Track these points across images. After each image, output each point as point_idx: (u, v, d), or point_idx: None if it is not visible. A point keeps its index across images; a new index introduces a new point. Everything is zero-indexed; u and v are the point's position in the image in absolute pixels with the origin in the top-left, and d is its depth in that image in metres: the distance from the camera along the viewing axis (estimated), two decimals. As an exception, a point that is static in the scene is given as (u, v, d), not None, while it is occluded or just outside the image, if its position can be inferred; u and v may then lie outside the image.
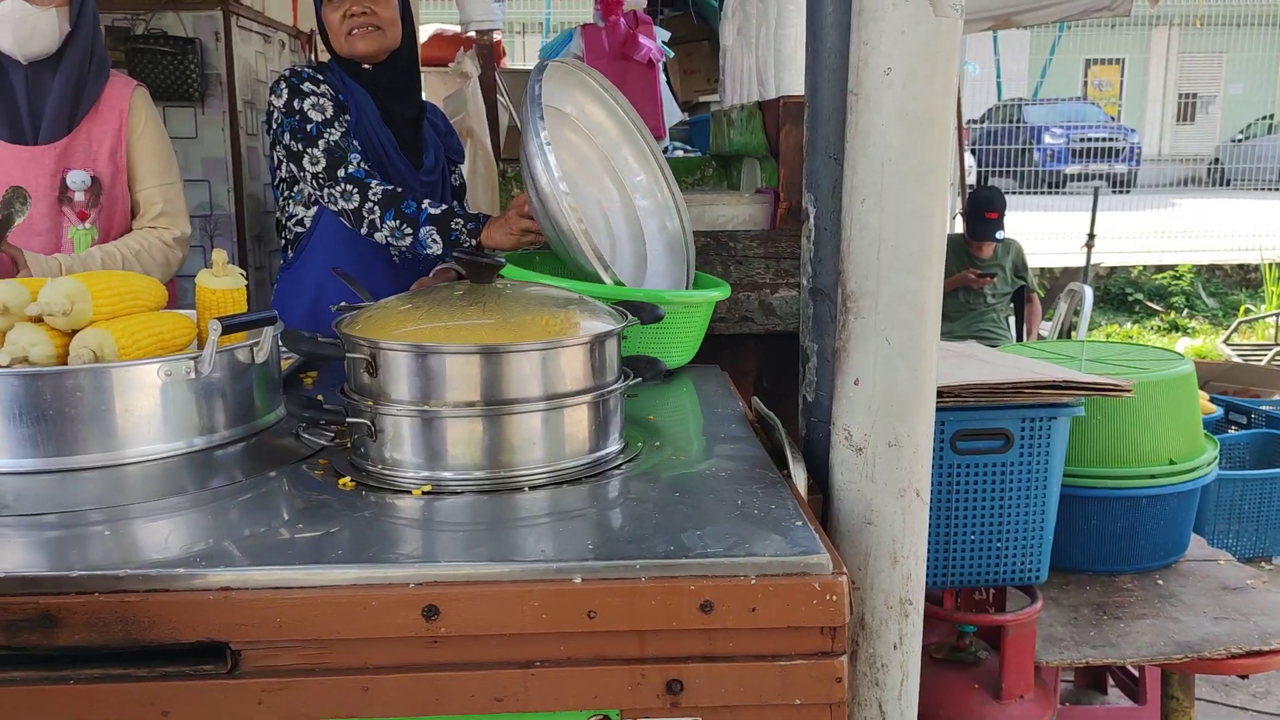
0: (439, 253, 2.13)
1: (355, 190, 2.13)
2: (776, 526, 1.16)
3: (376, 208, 2.12)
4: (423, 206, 2.11)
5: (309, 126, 2.18)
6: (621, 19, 3.24)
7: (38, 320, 1.41)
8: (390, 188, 2.15)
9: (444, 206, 2.13)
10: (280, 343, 1.52)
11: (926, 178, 1.33)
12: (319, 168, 2.15)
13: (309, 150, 2.16)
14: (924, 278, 1.34)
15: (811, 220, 1.49)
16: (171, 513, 1.30)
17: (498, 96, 3.12)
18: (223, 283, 1.57)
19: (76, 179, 2.18)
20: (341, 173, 2.14)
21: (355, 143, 2.21)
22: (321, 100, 2.21)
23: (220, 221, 4.45)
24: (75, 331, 1.42)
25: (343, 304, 1.98)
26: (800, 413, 1.52)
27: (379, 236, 2.14)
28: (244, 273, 1.60)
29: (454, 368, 1.33)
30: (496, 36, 3.42)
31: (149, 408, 1.40)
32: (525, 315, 1.40)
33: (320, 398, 1.65)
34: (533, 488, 1.33)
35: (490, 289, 1.47)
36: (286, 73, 2.25)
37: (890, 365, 1.34)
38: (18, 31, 2.06)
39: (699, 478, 1.36)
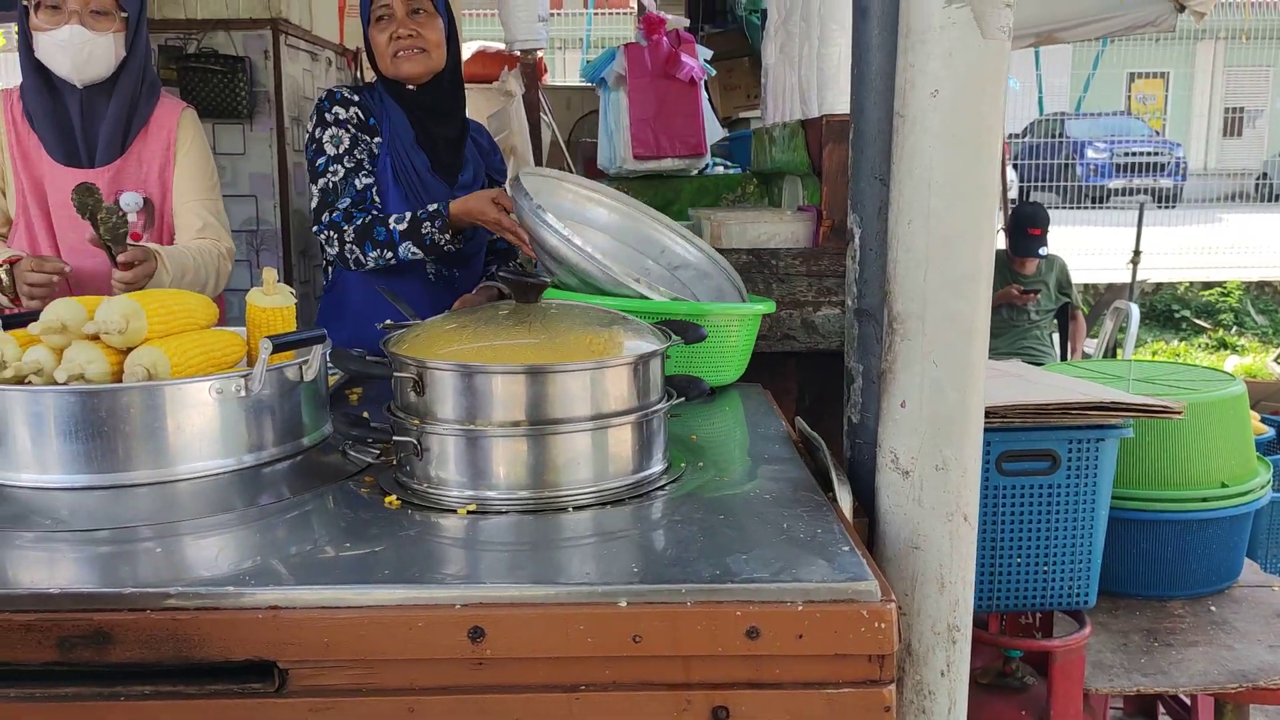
0: (425, 257, 2.21)
1: (335, 235, 2.21)
2: (823, 551, 1.15)
3: (354, 246, 2.19)
4: (390, 227, 2.17)
5: (319, 161, 2.25)
6: (664, 38, 3.25)
7: (94, 338, 1.43)
8: (362, 222, 2.19)
9: (409, 217, 2.17)
10: (328, 361, 1.54)
11: (974, 200, 1.32)
12: (312, 206, 2.25)
13: (311, 187, 2.26)
14: (972, 300, 1.33)
15: (857, 241, 1.48)
16: (220, 529, 1.32)
17: (540, 114, 3.13)
18: (273, 301, 1.59)
19: (130, 200, 2.22)
20: (326, 217, 2.22)
21: (357, 181, 2.23)
22: (340, 132, 2.24)
23: (266, 236, 4.52)
24: (131, 349, 1.44)
25: (389, 322, 2.02)
26: (845, 434, 1.51)
27: (371, 266, 2.20)
28: (292, 291, 1.62)
29: (499, 387, 1.34)
30: (539, 55, 3.45)
31: (200, 425, 1.42)
32: (570, 335, 1.41)
33: (366, 415, 1.66)
34: (577, 508, 1.33)
35: (535, 308, 1.48)
36: (323, 94, 2.30)
37: (937, 387, 1.33)
38: (75, 57, 2.09)
39: (743, 499, 1.36)
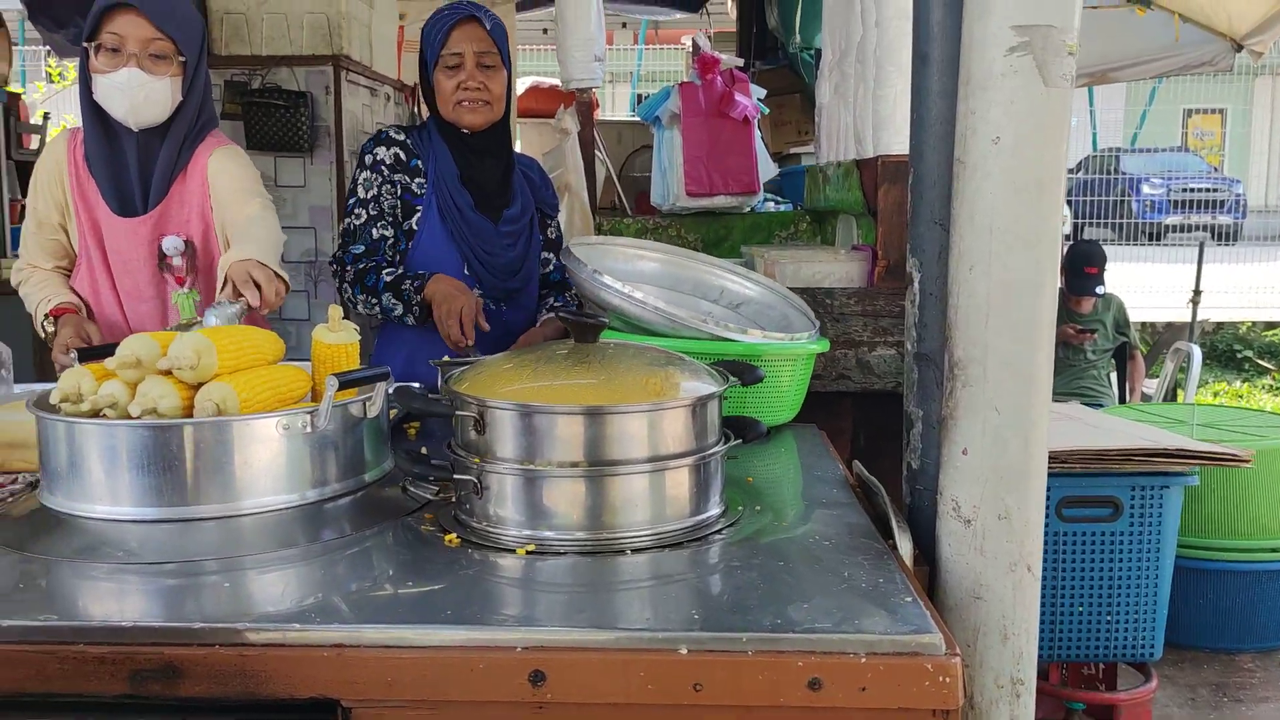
0: (403, 315, 2.22)
1: (339, 271, 2.29)
2: (885, 601, 1.14)
3: (349, 287, 2.27)
4: (380, 277, 2.23)
5: (350, 200, 2.32)
6: (718, 77, 3.28)
7: (168, 373, 1.47)
8: (363, 265, 2.25)
9: (397, 273, 2.23)
10: (391, 397, 1.56)
11: (1036, 246, 1.32)
12: (336, 241, 2.27)
13: (340, 225, 2.30)
14: (1034, 347, 1.32)
15: (916, 285, 1.48)
16: (284, 565, 1.34)
17: (595, 151, 3.17)
18: (337, 337, 1.62)
19: (171, 244, 2.18)
20: (339, 253, 2.30)
21: (374, 229, 2.27)
22: (374, 176, 2.28)
23: (324, 267, 4.60)
24: (202, 384, 1.47)
25: (445, 359, 2.04)
26: (904, 479, 1.50)
27: (361, 310, 2.26)
28: (356, 327, 1.65)
29: (558, 428, 1.35)
30: (594, 92, 3.49)
31: (266, 460, 1.44)
32: (628, 376, 1.42)
33: (424, 450, 1.69)
34: (635, 550, 1.33)
35: (594, 348, 1.49)
36: (372, 133, 2.35)
37: (999, 435, 1.32)
38: (132, 99, 2.08)
39: (802, 545, 1.35)
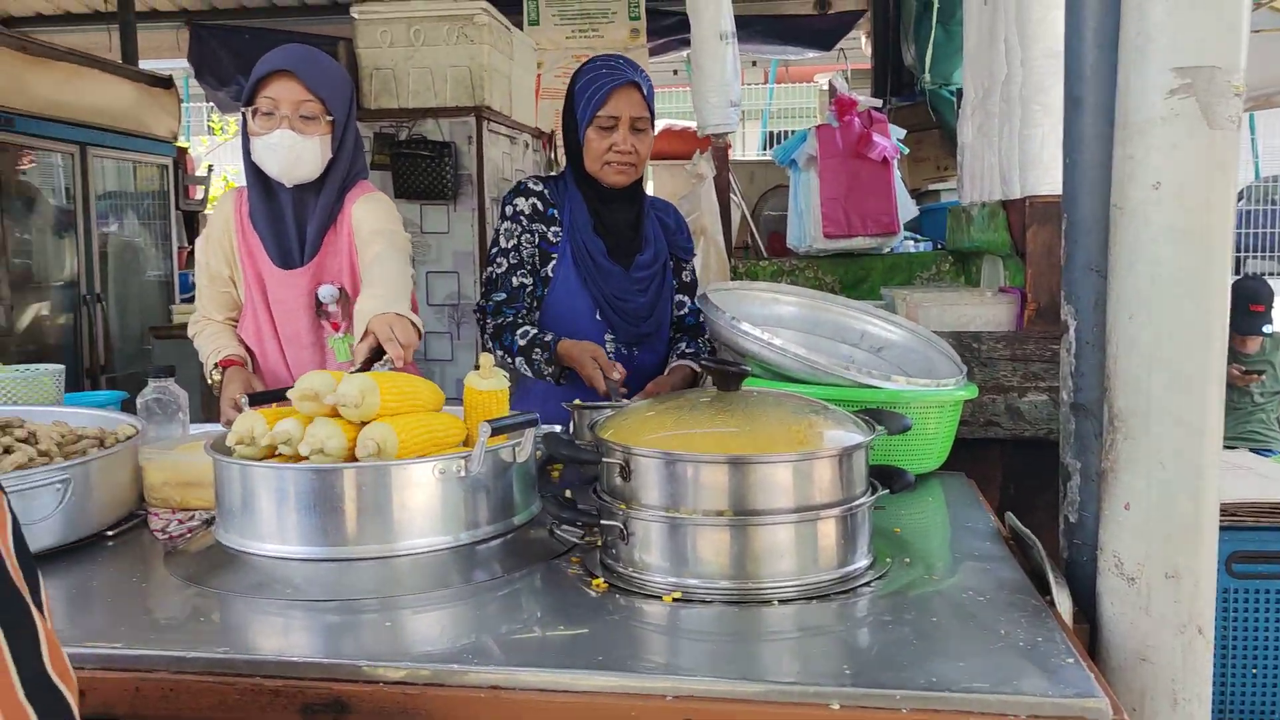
0: (538, 377, 2.31)
1: (482, 321, 2.40)
2: (1045, 662, 1.11)
3: (490, 339, 2.37)
4: (515, 339, 2.30)
5: (492, 250, 2.41)
6: (856, 118, 3.27)
7: (333, 411, 1.54)
8: (501, 320, 2.34)
9: (531, 335, 2.29)
10: (540, 444, 1.60)
11: (1203, 295, 1.27)
12: (478, 294, 2.35)
13: (483, 271, 2.37)
14: (1202, 399, 1.27)
15: (1072, 333, 1.44)
16: (439, 605, 1.39)
17: (730, 195, 3.20)
18: (489, 385, 1.68)
19: (326, 293, 2.29)
20: (483, 302, 2.39)
21: (514, 278, 2.34)
22: (514, 226, 2.36)
23: (466, 310, 4.76)
24: (365, 423, 1.55)
25: (577, 402, 2.09)
26: (1061, 533, 1.45)
27: (503, 362, 2.33)
28: (506, 375, 1.71)
29: (703, 476, 1.36)
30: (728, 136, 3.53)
31: (423, 503, 1.50)
32: (772, 424, 1.42)
33: (568, 493, 1.72)
34: (781, 601, 1.33)
35: (737, 396, 1.50)
36: (513, 184, 2.43)
37: (1165, 490, 1.26)
38: (284, 159, 2.18)
39: (954, 600, 1.32)
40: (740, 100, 3.39)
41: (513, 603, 1.40)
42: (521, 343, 2.29)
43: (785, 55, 8.26)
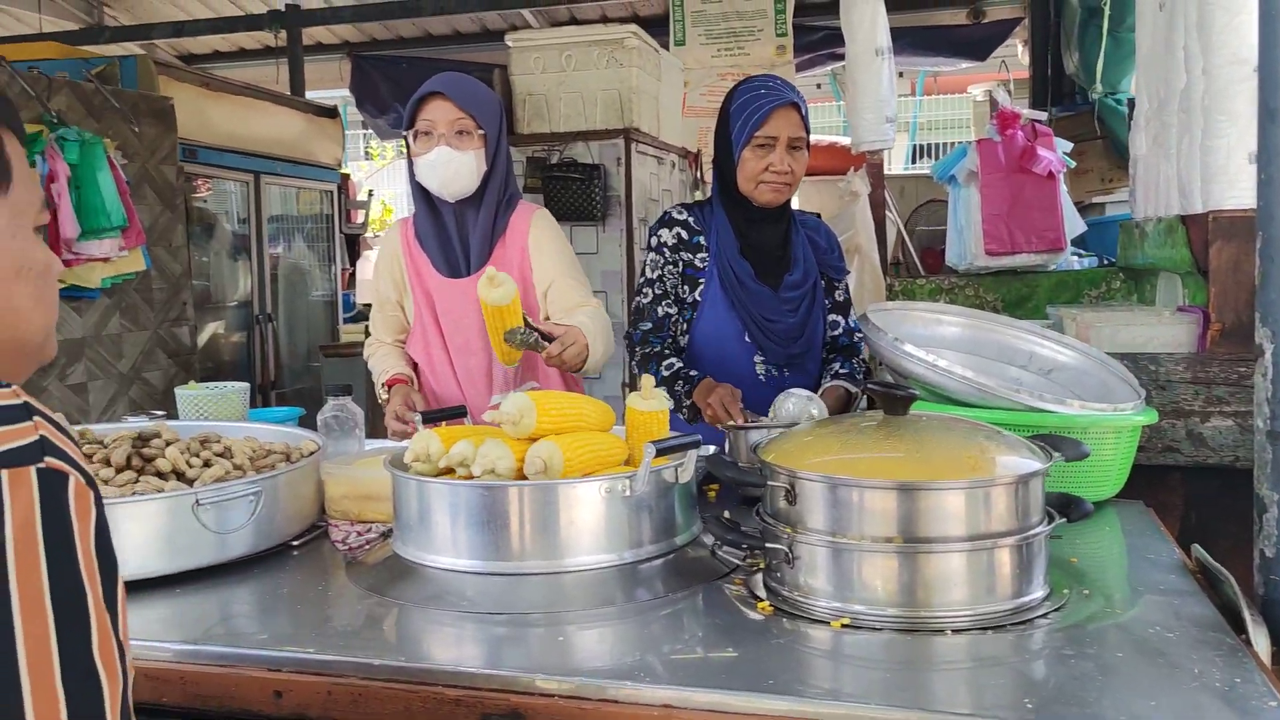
0: (674, 407, 2.28)
1: (630, 349, 2.44)
2: (1245, 704, 1.05)
3: (636, 367, 2.41)
4: (660, 370, 2.33)
5: (639, 280, 2.46)
6: (1019, 131, 3.17)
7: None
8: (647, 350, 2.38)
9: (676, 368, 2.32)
10: (703, 465, 1.61)
11: None
12: (629, 322, 2.46)
13: (630, 290, 2.39)
14: None
15: (1268, 357, 1.36)
16: (604, 622, 1.42)
17: (885, 212, 3.15)
18: (650, 406, 1.70)
19: None
20: (630, 330, 2.44)
21: (659, 308, 2.38)
22: (658, 257, 2.41)
23: (615, 329, 4.83)
24: (524, 440, 1.60)
25: (730, 422, 2.09)
26: (1256, 568, 1.37)
27: None
28: (668, 396, 1.72)
29: (872, 502, 1.35)
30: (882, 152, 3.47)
31: (588, 521, 1.53)
32: (942, 450, 1.39)
33: (726, 514, 1.72)
34: (955, 631, 1.30)
35: (905, 421, 1.48)
36: (660, 215, 2.47)
37: (1380, 526, 1.17)
38: (443, 174, 2.33)
39: (1138, 635, 1.26)
40: (895, 116, 3.34)
41: (675, 622, 1.41)
42: (665, 374, 2.34)
43: (937, 67, 8.08)
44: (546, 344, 2.13)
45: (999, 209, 3.15)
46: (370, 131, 10.03)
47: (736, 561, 1.58)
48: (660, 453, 1.52)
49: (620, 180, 4.88)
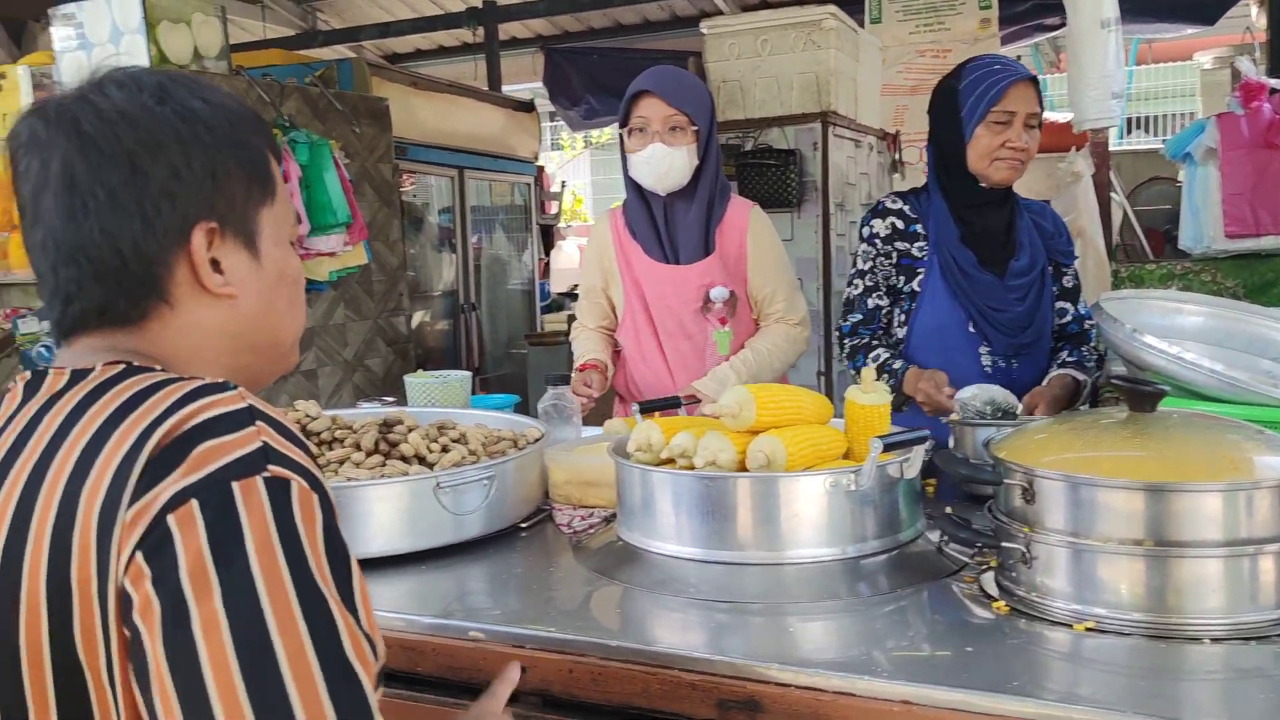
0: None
1: (839, 341, 2.41)
2: None
3: (845, 359, 2.39)
4: (867, 360, 2.30)
5: (850, 271, 2.43)
6: (1265, 104, 2.93)
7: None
8: (855, 342, 2.36)
9: (882, 359, 2.29)
10: (934, 462, 1.59)
11: None
12: (840, 315, 2.44)
13: (821, 281, 2.38)
14: None
15: None
16: (827, 615, 1.42)
17: (1110, 193, 2.98)
18: (870, 399, 1.68)
19: (719, 293, 2.49)
20: (840, 323, 2.42)
21: (870, 300, 2.36)
22: (869, 248, 2.37)
23: (811, 316, 4.78)
24: (744, 433, 1.61)
25: (954, 417, 2.03)
26: None
27: None
28: (889, 389, 1.70)
29: (1119, 503, 1.29)
30: (1108, 131, 3.28)
31: (811, 515, 1.53)
32: (1195, 449, 1.33)
33: (948, 509, 1.69)
34: (1213, 640, 1.23)
35: (1151, 418, 1.41)
36: (874, 204, 2.43)
37: None
38: (657, 170, 2.40)
39: None
40: (1124, 91, 3.15)
41: (900, 619, 1.40)
42: (873, 365, 2.29)
43: (1159, 34, 7.52)
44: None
45: (1241, 188, 2.92)
46: (560, 123, 10.28)
47: (964, 559, 1.55)
48: (888, 448, 1.51)
49: (816, 165, 4.82)
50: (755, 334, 2.57)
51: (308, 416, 1.85)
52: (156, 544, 0.73)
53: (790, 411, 1.67)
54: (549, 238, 8.79)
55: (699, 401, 2.24)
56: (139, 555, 0.73)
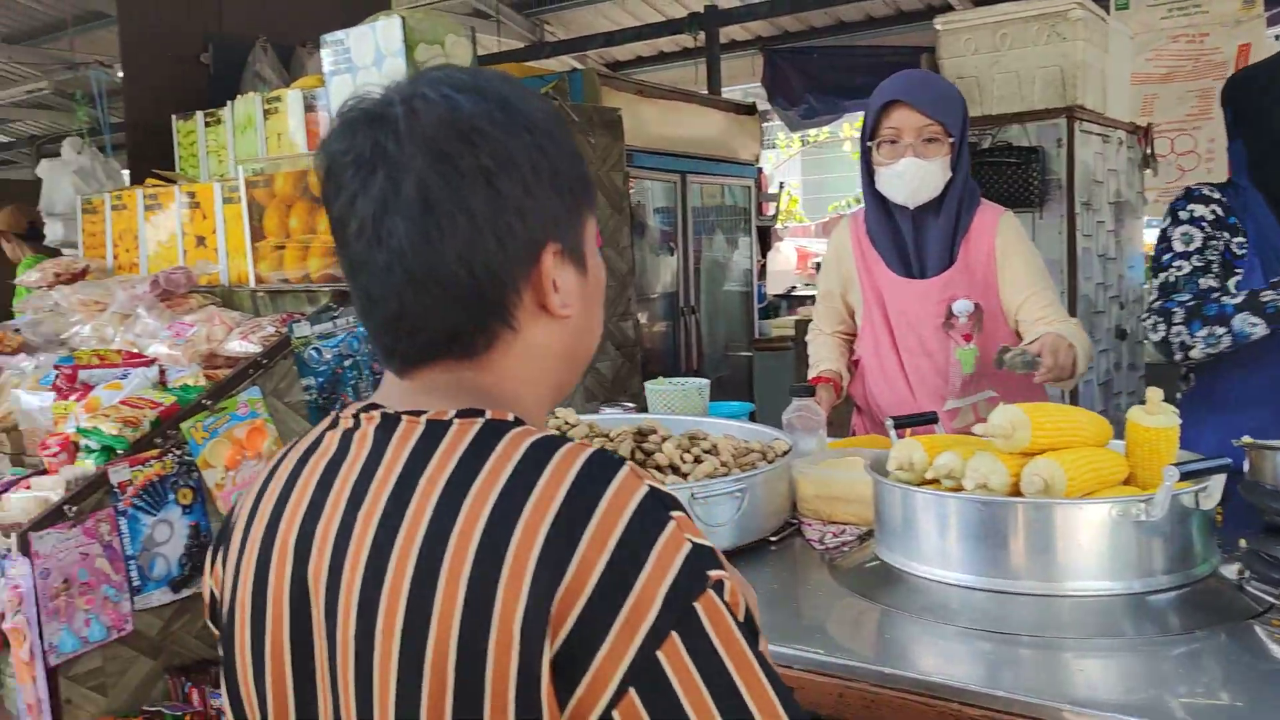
0: (1264, 333, 1.98)
1: (1161, 320, 2.10)
2: None
3: (1182, 328, 2.06)
4: (1223, 301, 2.02)
5: (1165, 256, 2.18)
6: None
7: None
8: (1191, 302, 2.06)
9: (1245, 292, 2.00)
10: (1243, 495, 1.46)
11: None
12: (1150, 299, 2.16)
13: (1152, 280, 2.16)
14: None
15: None
16: (1106, 654, 1.33)
17: None
18: (1156, 421, 1.56)
19: (962, 307, 2.30)
20: (1157, 304, 2.13)
21: (1201, 280, 2.10)
22: (1192, 230, 2.15)
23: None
24: (1019, 455, 1.53)
25: (1246, 439, 1.85)
26: None
27: (1196, 355, 2.06)
28: (1177, 410, 1.58)
29: None
30: None
31: (1091, 545, 1.43)
32: None
33: (1242, 541, 1.55)
34: None
35: None
36: (1180, 192, 2.22)
37: None
38: (909, 185, 2.27)
39: None
40: None
41: (1194, 662, 1.30)
42: (1236, 300, 2.02)
43: None
44: (1040, 360, 2.03)
45: None
46: (777, 122, 10.20)
47: (1271, 599, 1.41)
48: (1184, 476, 1.39)
49: (1061, 163, 4.55)
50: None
51: (566, 424, 1.90)
52: (651, 681, 0.71)
53: (1068, 433, 1.57)
54: (766, 239, 8.75)
55: (953, 418, 2.14)
56: (632, 691, 0.71)
